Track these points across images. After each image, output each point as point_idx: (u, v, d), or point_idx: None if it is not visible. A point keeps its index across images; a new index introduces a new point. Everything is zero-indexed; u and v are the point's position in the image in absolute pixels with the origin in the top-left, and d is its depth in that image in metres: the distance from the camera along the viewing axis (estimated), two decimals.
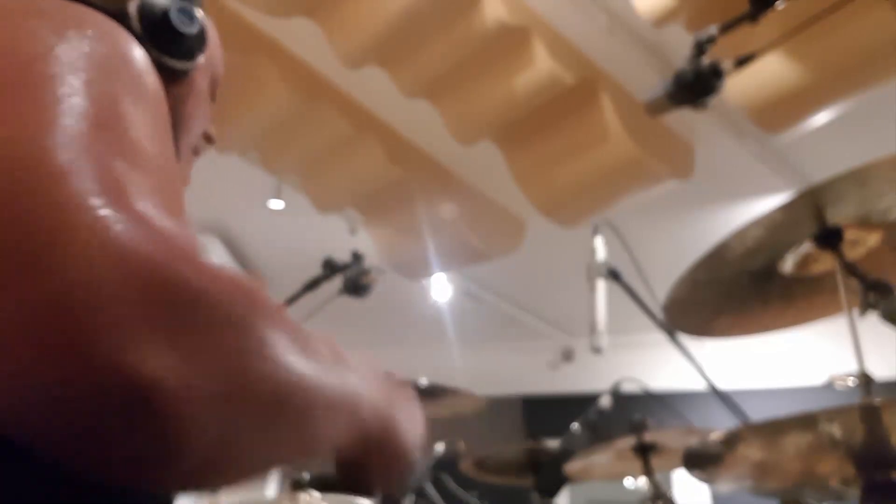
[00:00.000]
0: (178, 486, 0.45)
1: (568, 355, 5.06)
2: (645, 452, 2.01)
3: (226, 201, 3.95)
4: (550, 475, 2.10)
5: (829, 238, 1.25)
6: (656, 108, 1.19)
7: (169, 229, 0.38)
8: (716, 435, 1.30)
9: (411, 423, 0.61)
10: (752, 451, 1.30)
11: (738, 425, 1.32)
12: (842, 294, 1.20)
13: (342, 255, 2.16)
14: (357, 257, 2.16)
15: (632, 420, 1.99)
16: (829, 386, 2.74)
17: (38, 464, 0.36)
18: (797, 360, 4.26)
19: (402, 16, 2.38)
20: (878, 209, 1.22)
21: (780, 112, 2.44)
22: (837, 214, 1.22)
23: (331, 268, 2.13)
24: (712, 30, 1.12)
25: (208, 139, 0.84)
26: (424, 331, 4.92)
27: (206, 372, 0.36)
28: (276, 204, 3.72)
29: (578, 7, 2.51)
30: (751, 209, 3.42)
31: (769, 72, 2.31)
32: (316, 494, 1.01)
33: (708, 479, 1.50)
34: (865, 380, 1.16)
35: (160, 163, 0.47)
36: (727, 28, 1.12)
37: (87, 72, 0.47)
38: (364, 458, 0.57)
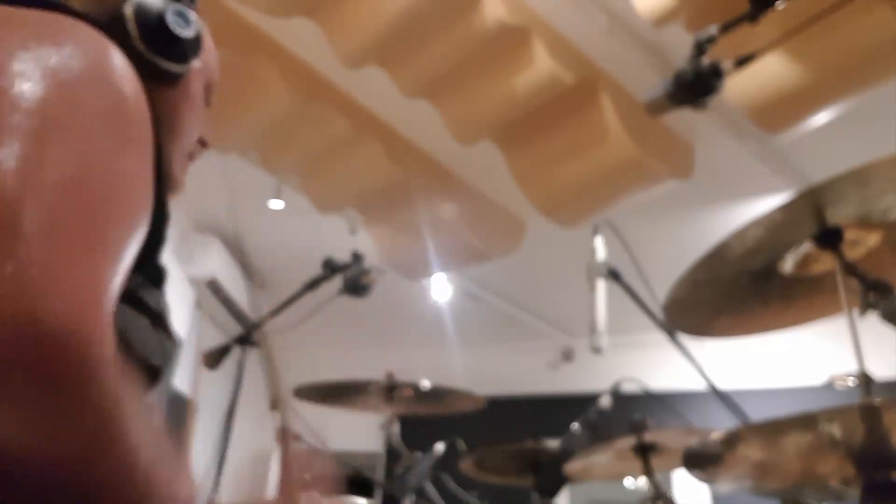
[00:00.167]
0: None
1: (568, 355, 5.05)
2: (645, 452, 2.01)
3: (226, 201, 3.95)
4: (550, 475, 2.10)
5: (829, 238, 1.25)
6: (656, 108, 1.18)
7: (43, 273, 0.39)
8: (716, 435, 1.30)
9: None
10: (752, 451, 1.30)
11: (738, 425, 1.32)
12: (842, 294, 1.20)
13: (342, 255, 2.16)
14: (357, 257, 2.16)
15: (632, 420, 1.99)
16: (829, 386, 2.74)
17: None
18: (797, 360, 4.26)
19: (402, 16, 2.38)
20: (878, 209, 1.22)
21: (780, 112, 2.44)
22: (837, 214, 1.22)
23: (331, 268, 2.13)
24: (712, 30, 1.12)
25: (203, 144, 0.84)
26: (424, 331, 4.91)
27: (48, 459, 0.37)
28: (276, 204, 3.72)
29: (578, 7, 2.51)
30: (751, 209, 3.41)
31: (769, 72, 2.31)
32: (316, 494, 1.01)
33: (708, 479, 1.50)
34: (865, 380, 1.16)
35: (98, 169, 0.47)
36: (727, 28, 1.12)
37: (53, 91, 0.46)
38: None
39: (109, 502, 0.38)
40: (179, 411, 4.23)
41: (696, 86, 1.13)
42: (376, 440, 4.69)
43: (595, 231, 1.69)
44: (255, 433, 4.14)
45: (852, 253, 1.26)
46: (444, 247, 3.48)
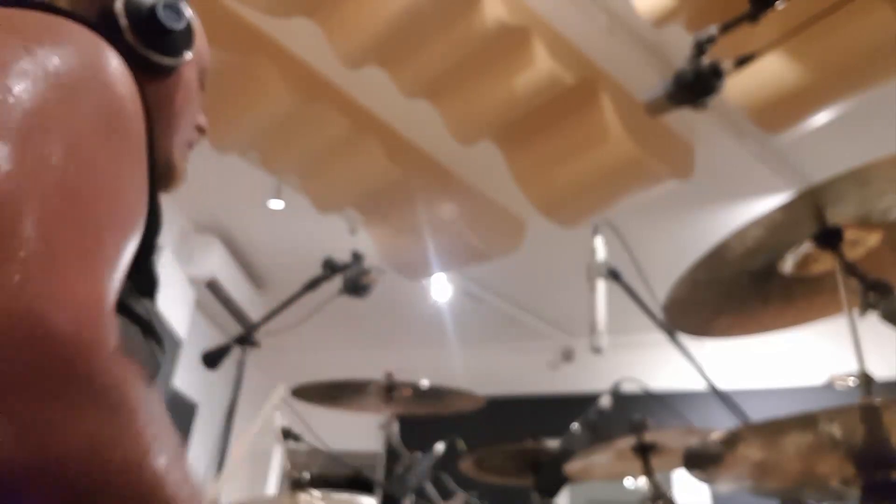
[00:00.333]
0: None
1: (568, 355, 5.06)
2: (645, 452, 2.01)
3: (226, 201, 3.95)
4: (550, 475, 2.10)
5: (829, 238, 1.25)
6: (656, 108, 1.18)
7: (44, 278, 0.39)
8: (716, 435, 1.30)
9: None
10: (752, 451, 1.30)
11: (738, 425, 1.32)
12: (842, 294, 1.20)
13: (342, 255, 2.16)
14: (357, 257, 2.16)
15: (632, 420, 1.99)
16: (829, 386, 2.74)
17: None
18: (797, 360, 4.26)
19: (402, 16, 2.38)
20: (878, 209, 1.22)
21: (780, 112, 2.44)
22: (837, 214, 1.22)
23: (331, 268, 2.13)
24: (712, 30, 1.12)
25: (201, 130, 0.84)
26: (424, 331, 4.92)
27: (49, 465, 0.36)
28: (276, 204, 3.72)
29: (578, 7, 2.51)
30: (751, 209, 3.42)
31: (769, 72, 2.31)
32: (316, 494, 1.01)
33: (708, 479, 1.50)
34: (865, 380, 1.16)
35: (94, 171, 0.47)
36: (727, 28, 1.12)
37: (42, 84, 0.46)
38: None
39: (120, 495, 0.38)
40: (185, 412, 4.24)
41: (696, 86, 1.13)
42: (376, 440, 4.71)
43: (595, 231, 1.69)
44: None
45: (852, 253, 1.26)
46: (444, 247, 3.48)
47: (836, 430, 1.15)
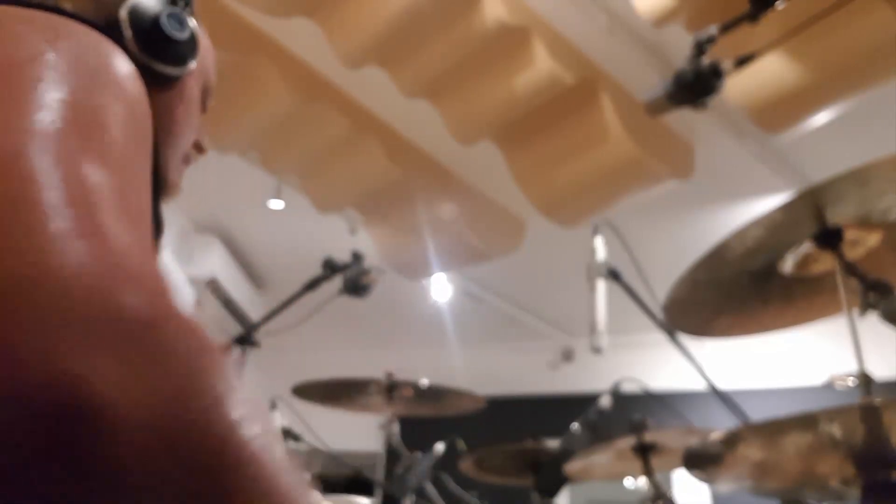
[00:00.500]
0: None
1: (568, 355, 5.06)
2: (645, 452, 2.01)
3: (226, 201, 3.95)
4: (550, 475, 2.10)
5: (829, 238, 1.25)
6: (656, 108, 1.19)
7: (123, 250, 0.39)
8: (716, 435, 1.30)
9: None
10: (752, 451, 1.30)
11: (738, 425, 1.32)
12: (842, 294, 1.20)
13: (342, 255, 2.16)
14: (357, 257, 2.16)
15: (632, 420, 1.99)
16: (829, 386, 2.74)
17: None
18: (797, 360, 4.26)
19: (402, 16, 2.38)
20: (878, 209, 1.22)
21: (780, 112, 2.44)
22: (837, 214, 1.22)
23: (331, 268, 2.13)
24: (712, 30, 1.13)
25: (199, 149, 0.84)
26: (424, 331, 4.92)
27: (142, 402, 0.35)
28: (276, 204, 3.72)
29: (578, 7, 2.51)
30: (751, 209, 3.42)
31: (769, 72, 2.31)
32: (316, 494, 1.01)
33: (708, 479, 1.51)
34: (865, 380, 1.16)
35: (132, 169, 0.47)
36: (727, 28, 1.12)
37: (71, 78, 0.47)
38: None
39: (195, 449, 0.39)
40: None
41: (696, 86, 1.13)
42: (376, 440, 4.71)
43: (595, 231, 1.69)
44: None
45: (852, 253, 1.26)
46: (444, 247, 3.48)
47: (836, 430, 1.16)
